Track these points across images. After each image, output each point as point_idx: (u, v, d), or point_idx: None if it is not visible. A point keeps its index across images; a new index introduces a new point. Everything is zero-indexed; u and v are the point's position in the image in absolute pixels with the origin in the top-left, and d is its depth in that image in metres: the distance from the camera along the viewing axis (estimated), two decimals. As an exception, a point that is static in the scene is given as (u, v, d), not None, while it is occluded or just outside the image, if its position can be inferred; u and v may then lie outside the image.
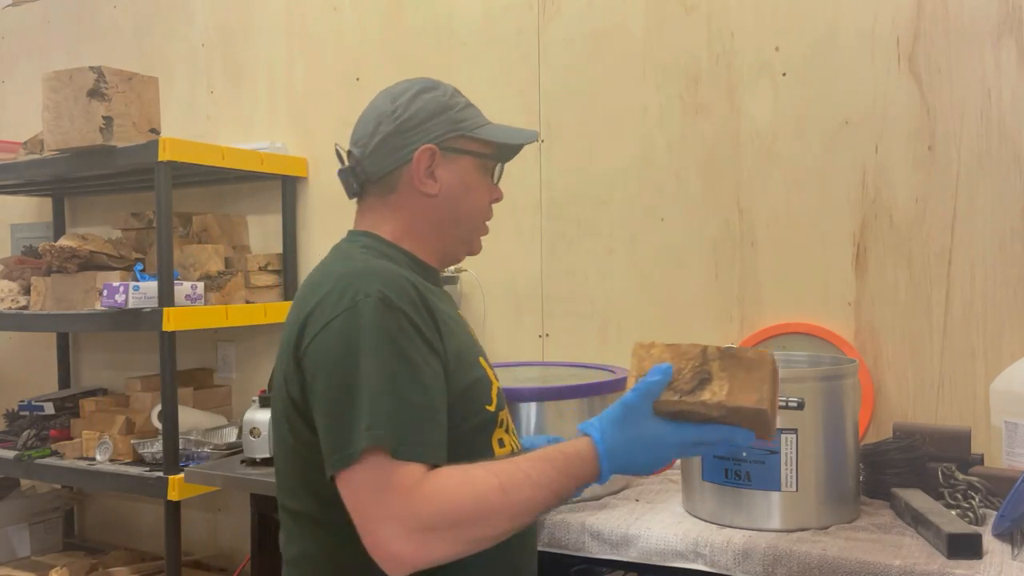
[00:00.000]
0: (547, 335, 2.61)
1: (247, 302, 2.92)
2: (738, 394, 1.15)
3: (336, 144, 1.41)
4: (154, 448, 2.74)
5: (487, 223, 1.43)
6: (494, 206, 1.43)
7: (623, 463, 1.16)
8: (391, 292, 1.18)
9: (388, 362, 1.13)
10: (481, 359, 1.33)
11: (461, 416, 1.22)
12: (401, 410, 1.11)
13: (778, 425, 1.61)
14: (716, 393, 1.15)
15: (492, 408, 1.29)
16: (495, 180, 1.42)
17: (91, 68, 2.62)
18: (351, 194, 1.41)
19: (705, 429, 1.17)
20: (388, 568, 1.08)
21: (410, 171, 1.33)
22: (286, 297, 3.04)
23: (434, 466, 1.11)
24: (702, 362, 1.18)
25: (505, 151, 1.42)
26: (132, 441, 2.82)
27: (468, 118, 1.37)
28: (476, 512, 1.09)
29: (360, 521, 1.09)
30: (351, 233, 1.40)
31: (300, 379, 1.19)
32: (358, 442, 1.08)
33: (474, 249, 1.44)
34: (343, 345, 1.14)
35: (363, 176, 1.36)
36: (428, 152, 1.33)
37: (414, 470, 1.08)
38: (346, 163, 1.39)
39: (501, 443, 1.30)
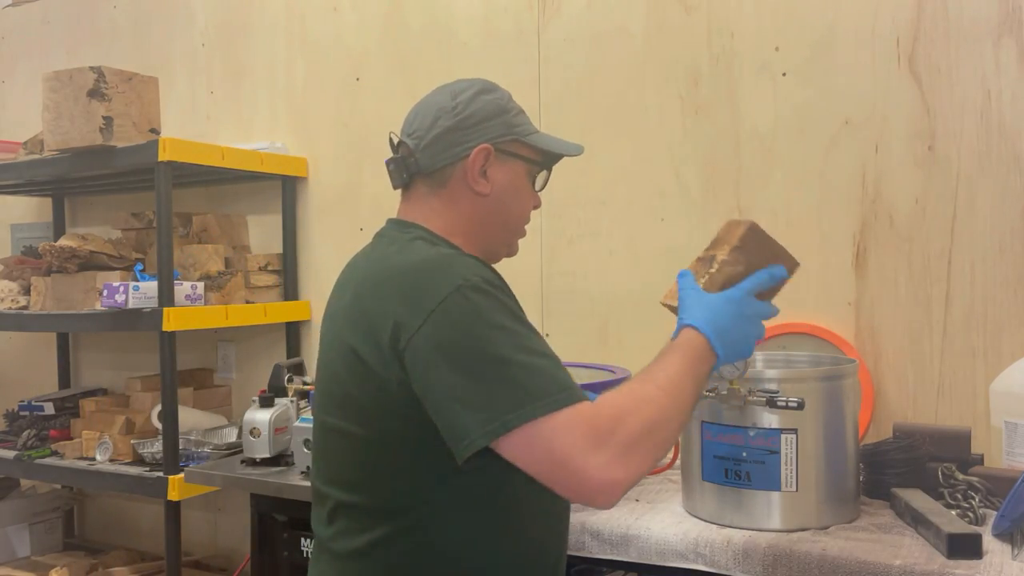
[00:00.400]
0: (547, 335, 2.61)
1: (247, 302, 2.92)
2: (732, 239, 1.37)
3: (391, 132, 1.41)
4: (154, 448, 2.75)
5: (525, 227, 1.46)
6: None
7: (719, 327, 1.27)
8: (484, 273, 1.23)
9: (517, 329, 1.18)
10: None
11: None
12: (550, 365, 1.16)
13: (778, 425, 1.61)
14: (723, 252, 1.36)
15: None
16: (537, 186, 1.44)
17: (91, 68, 2.62)
18: (398, 184, 1.41)
19: (749, 279, 1.34)
20: (602, 499, 1.13)
21: (464, 168, 1.35)
22: (286, 297, 3.04)
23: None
24: (701, 257, 1.39)
25: (549, 159, 1.44)
26: (132, 441, 2.82)
27: (522, 123, 1.40)
28: (656, 415, 1.17)
29: (555, 471, 1.12)
30: (399, 223, 1.39)
31: (400, 371, 1.19)
32: (526, 406, 1.12)
33: (512, 251, 1.46)
34: (463, 325, 1.16)
35: (414, 168, 1.36)
36: (484, 152, 1.35)
37: (586, 406, 1.14)
38: (397, 152, 1.39)
39: None
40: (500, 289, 1.23)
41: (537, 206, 1.45)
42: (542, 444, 1.12)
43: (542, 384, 1.14)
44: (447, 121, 1.34)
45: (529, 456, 1.13)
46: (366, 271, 1.31)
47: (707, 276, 1.35)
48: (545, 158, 1.43)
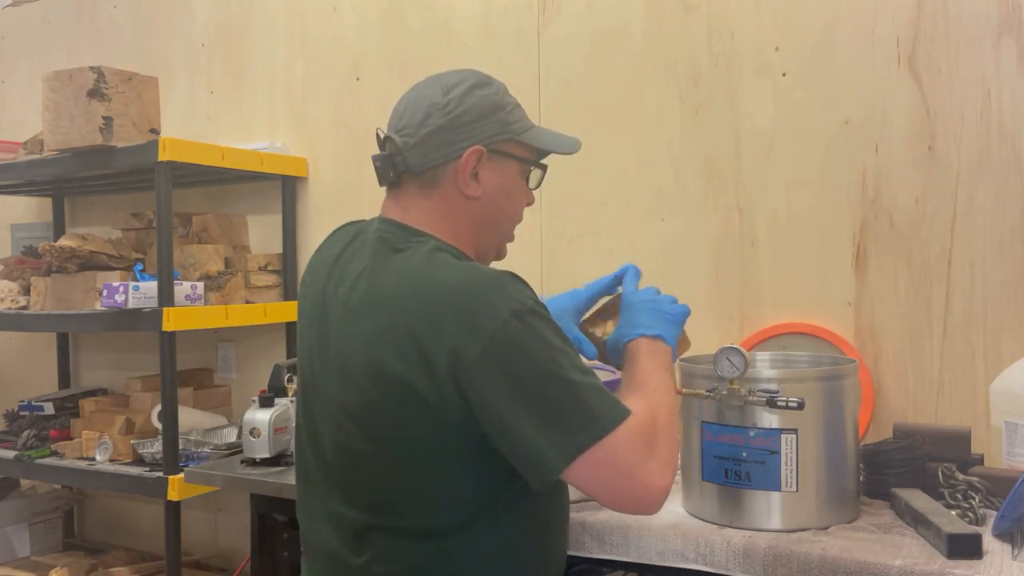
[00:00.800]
0: (547, 335, 2.61)
1: (247, 302, 2.92)
2: (590, 328, 1.58)
3: (377, 129, 1.37)
4: (154, 448, 2.75)
5: (514, 232, 1.44)
6: None
7: (636, 323, 1.41)
8: (532, 296, 1.23)
9: (569, 349, 1.21)
10: None
11: None
12: (599, 382, 1.20)
13: (778, 425, 1.61)
14: (598, 332, 1.56)
15: None
16: (532, 184, 1.41)
17: (91, 68, 2.62)
18: (385, 182, 1.36)
19: (623, 296, 1.51)
20: (656, 506, 1.20)
21: (455, 169, 1.30)
22: (286, 297, 3.04)
23: None
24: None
25: (544, 157, 1.42)
26: (132, 441, 2.82)
27: (517, 120, 1.36)
28: (667, 412, 1.26)
29: (618, 484, 1.18)
30: (401, 227, 1.32)
31: (459, 397, 1.17)
32: (591, 425, 1.15)
33: (502, 253, 1.45)
34: (526, 350, 1.16)
35: (403, 166, 1.31)
36: (477, 153, 1.30)
37: (633, 418, 1.19)
38: (385, 149, 1.34)
39: None
40: (546, 309, 1.24)
41: (531, 203, 1.43)
42: (608, 461, 1.15)
43: (601, 402, 1.17)
44: (438, 119, 1.29)
45: (595, 473, 1.16)
46: (399, 289, 1.22)
47: (600, 332, 1.55)
48: (540, 156, 1.40)
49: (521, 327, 1.16)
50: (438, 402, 1.17)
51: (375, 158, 1.35)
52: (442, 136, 1.30)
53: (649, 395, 1.27)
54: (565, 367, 1.17)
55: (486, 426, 1.17)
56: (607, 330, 1.53)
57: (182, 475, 2.55)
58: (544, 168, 1.42)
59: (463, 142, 1.30)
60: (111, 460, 2.82)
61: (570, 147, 1.43)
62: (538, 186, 1.43)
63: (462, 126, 1.30)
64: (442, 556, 1.23)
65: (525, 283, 1.26)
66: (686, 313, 1.44)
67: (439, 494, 1.23)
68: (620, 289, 1.57)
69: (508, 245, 1.46)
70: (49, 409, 3.15)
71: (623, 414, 1.17)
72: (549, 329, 1.20)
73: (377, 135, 1.37)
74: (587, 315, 1.59)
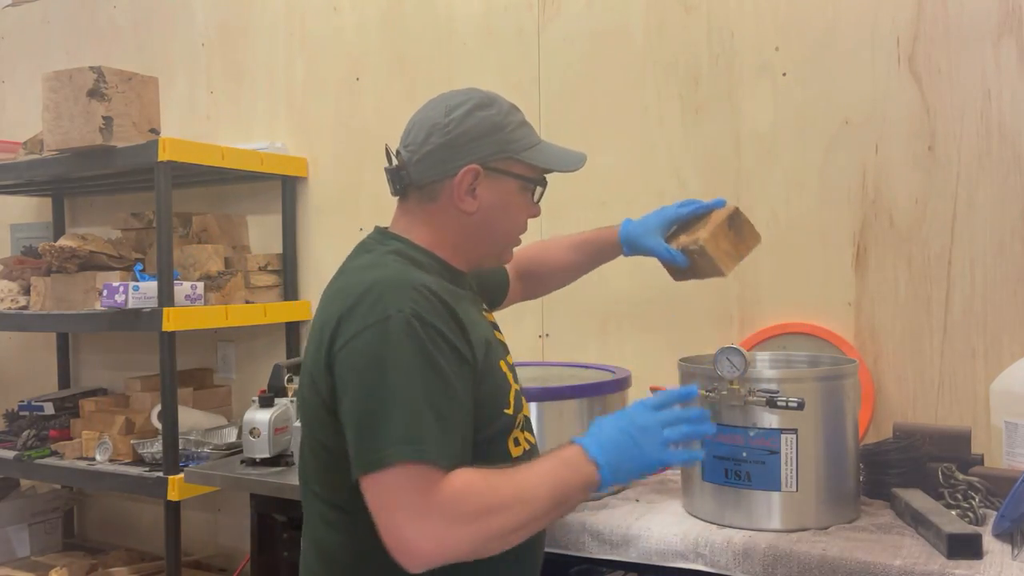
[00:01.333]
0: (547, 335, 2.61)
1: (247, 302, 2.92)
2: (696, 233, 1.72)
3: (387, 144, 1.46)
4: (154, 448, 2.75)
5: (520, 236, 1.48)
6: None
7: (610, 445, 1.25)
8: (422, 308, 1.22)
9: (420, 374, 1.18)
10: (502, 362, 1.38)
11: (484, 420, 1.28)
12: (428, 420, 1.16)
13: (778, 425, 1.61)
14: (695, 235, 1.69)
15: (510, 412, 1.35)
16: (536, 199, 1.46)
17: (91, 68, 2.62)
18: (394, 192, 1.44)
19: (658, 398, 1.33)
20: (408, 564, 1.15)
21: (451, 185, 1.36)
22: (286, 297, 3.04)
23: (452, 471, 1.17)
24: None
25: (545, 173, 1.46)
26: (132, 441, 2.82)
27: (519, 139, 1.40)
28: (491, 505, 1.16)
29: (383, 521, 1.15)
30: (382, 234, 1.43)
31: (330, 382, 1.24)
32: (387, 449, 1.15)
33: (503, 260, 1.50)
34: (373, 356, 1.19)
35: (406, 180, 1.39)
36: (472, 172, 1.36)
37: (435, 474, 1.15)
38: (393, 162, 1.42)
39: (516, 442, 1.36)
40: (432, 328, 1.21)
41: (535, 215, 1.47)
42: (380, 491, 1.16)
43: (416, 434, 1.15)
44: (438, 139, 1.36)
45: (371, 497, 1.17)
46: (335, 285, 1.34)
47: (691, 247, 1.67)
48: (540, 173, 1.45)
49: (380, 333, 1.19)
50: (322, 385, 1.25)
51: (386, 170, 1.43)
52: (441, 154, 1.36)
53: (515, 488, 1.18)
54: (405, 386, 1.16)
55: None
56: (696, 236, 1.68)
57: (182, 475, 2.55)
58: (544, 184, 1.47)
59: (460, 160, 1.36)
60: (111, 460, 2.82)
61: (572, 164, 1.48)
62: (540, 199, 1.47)
63: (460, 146, 1.36)
64: (345, 535, 1.29)
65: (431, 296, 1.24)
66: (655, 466, 1.29)
67: (340, 476, 1.26)
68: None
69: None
70: (49, 409, 3.16)
71: (427, 458, 1.14)
72: (412, 347, 1.18)
73: (386, 149, 1.44)
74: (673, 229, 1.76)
